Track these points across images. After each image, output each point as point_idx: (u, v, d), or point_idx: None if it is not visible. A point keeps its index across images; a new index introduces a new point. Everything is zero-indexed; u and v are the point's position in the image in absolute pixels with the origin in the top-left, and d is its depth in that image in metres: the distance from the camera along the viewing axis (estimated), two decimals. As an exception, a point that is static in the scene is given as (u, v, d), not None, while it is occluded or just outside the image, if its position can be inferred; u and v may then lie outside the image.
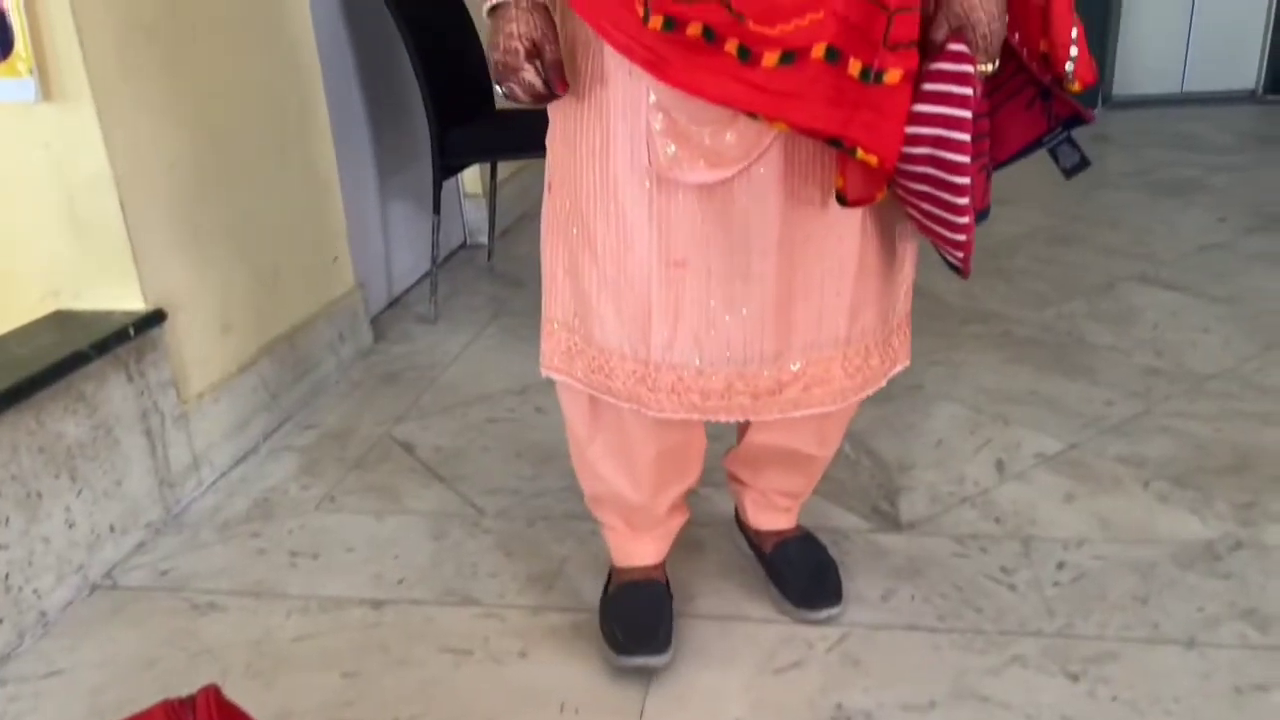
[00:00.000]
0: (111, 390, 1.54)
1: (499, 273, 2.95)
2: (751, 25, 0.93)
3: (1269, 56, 4.83)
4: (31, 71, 1.47)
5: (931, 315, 2.30)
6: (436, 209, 2.49)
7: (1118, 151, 3.99)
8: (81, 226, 1.57)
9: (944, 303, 2.39)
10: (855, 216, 1.09)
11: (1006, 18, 1.00)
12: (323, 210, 2.17)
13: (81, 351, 1.46)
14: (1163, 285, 2.53)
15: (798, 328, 1.12)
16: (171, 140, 1.67)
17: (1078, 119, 1.08)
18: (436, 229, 2.53)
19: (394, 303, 2.72)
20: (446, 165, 2.46)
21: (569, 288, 1.18)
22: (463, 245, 3.21)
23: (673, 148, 1.04)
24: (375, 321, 2.50)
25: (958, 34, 0.97)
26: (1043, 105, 1.08)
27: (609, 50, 1.03)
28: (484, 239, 3.13)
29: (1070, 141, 1.09)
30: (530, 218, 3.50)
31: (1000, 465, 1.72)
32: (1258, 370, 2.04)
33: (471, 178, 3.16)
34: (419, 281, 2.86)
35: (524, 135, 2.52)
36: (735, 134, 1.02)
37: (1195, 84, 4.97)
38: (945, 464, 1.73)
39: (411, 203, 2.82)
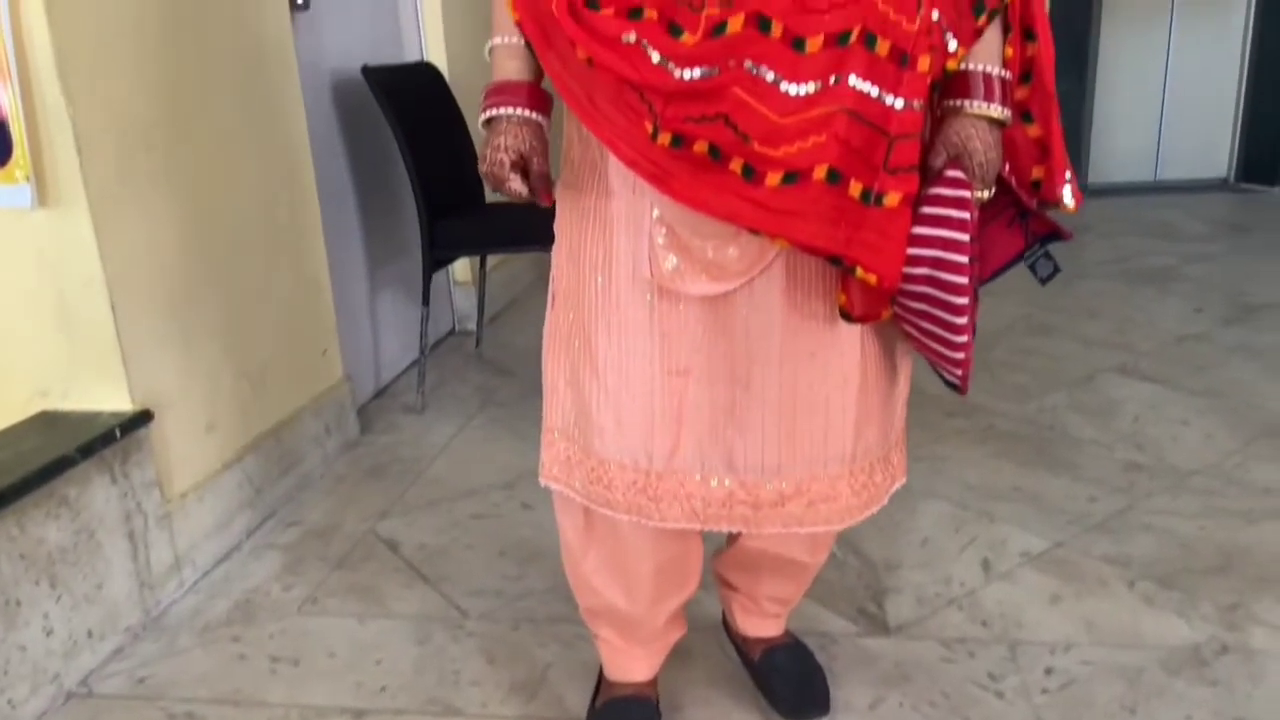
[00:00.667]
0: (95, 493, 1.53)
1: (487, 360, 2.97)
2: (756, 146, 0.96)
3: (1239, 145, 4.98)
4: (28, 178, 1.49)
5: (914, 407, 2.29)
6: (425, 301, 2.52)
7: (1095, 240, 4.08)
8: (72, 328, 1.58)
9: (927, 395, 2.40)
10: (855, 332, 1.11)
11: (1002, 148, 1.04)
12: (313, 305, 2.19)
13: (67, 455, 1.45)
14: (1142, 377, 2.57)
15: (801, 442, 1.13)
16: (164, 243, 1.70)
17: (1055, 235, 1.12)
18: (425, 320, 2.55)
19: (381, 392, 2.73)
20: (436, 258, 2.50)
21: (570, 399, 1.19)
22: (451, 332, 3.24)
23: (674, 260, 1.07)
24: (362, 411, 2.51)
25: (955, 161, 1.01)
26: (1021, 224, 1.12)
27: (614, 166, 1.07)
28: (473, 325, 3.16)
29: (1047, 255, 1.12)
30: (518, 304, 3.53)
31: (986, 564, 1.72)
32: (1238, 466, 2.06)
33: (461, 265, 3.20)
34: (407, 370, 2.87)
35: (513, 229, 2.59)
36: (738, 249, 1.05)
37: (1169, 172, 5.11)
38: (932, 563, 1.73)
39: (401, 292, 2.85)
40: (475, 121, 2.85)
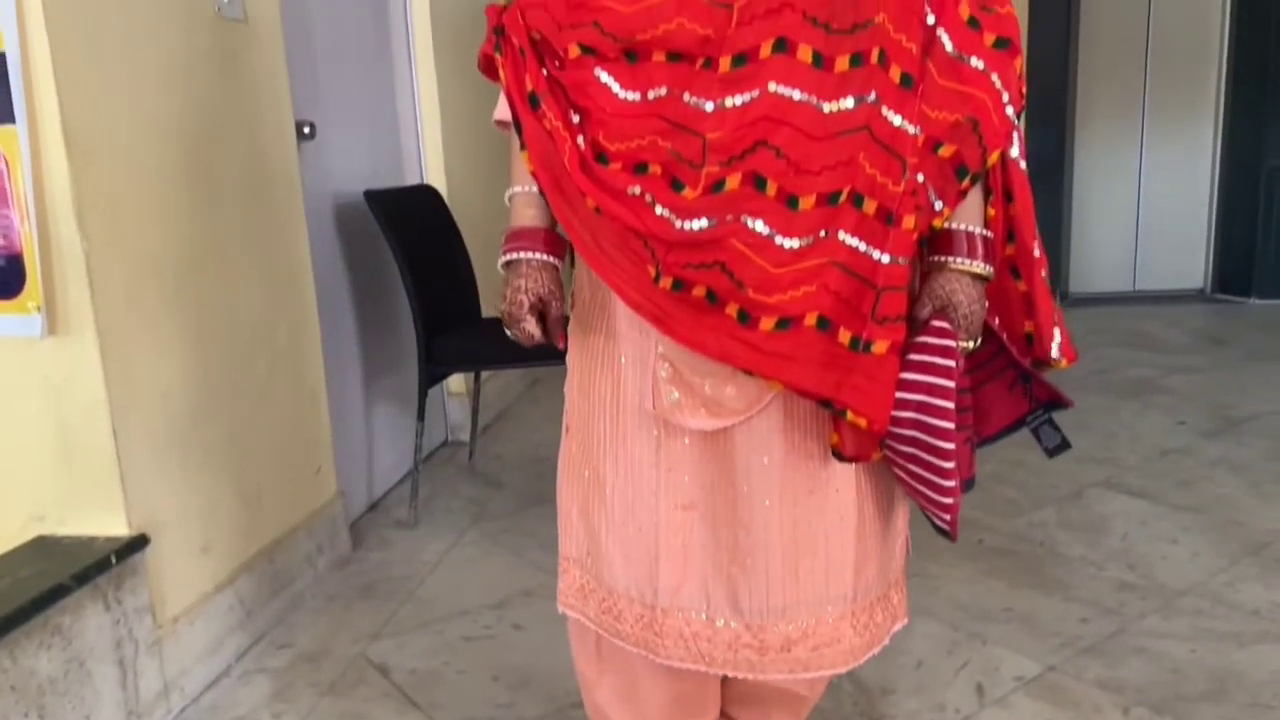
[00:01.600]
0: (88, 621, 1.52)
1: (479, 472, 2.98)
2: (751, 293, 1.01)
3: (1214, 257, 5.12)
4: (39, 309, 1.53)
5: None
6: (421, 416, 2.55)
7: (1079, 350, 4.15)
8: (72, 453, 1.59)
9: (915, 509, 2.43)
10: (850, 470, 1.14)
11: (985, 300, 1.10)
12: (309, 423, 2.22)
13: (62, 584, 1.45)
14: (1129, 492, 2.60)
15: (804, 582, 1.15)
16: (167, 368, 1.73)
17: (1057, 402, 1.17)
18: (420, 435, 2.57)
19: (374, 506, 2.73)
20: (433, 374, 2.53)
21: (582, 529, 1.22)
22: (444, 443, 3.25)
23: (676, 394, 1.11)
24: (354, 526, 2.50)
25: (941, 313, 1.07)
26: (1024, 388, 1.17)
27: (621, 307, 1.12)
28: (465, 436, 3.18)
29: (1051, 423, 1.17)
30: (510, 414, 3.56)
31: (980, 689, 1.72)
32: (1227, 585, 2.07)
33: (455, 377, 3.24)
34: (400, 483, 2.88)
35: (509, 346, 2.62)
36: (735, 388, 1.10)
37: (1146, 282, 5.24)
38: (926, 688, 1.73)
39: (395, 405, 2.88)
40: (472, 239, 2.93)
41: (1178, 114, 5.07)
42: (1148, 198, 5.17)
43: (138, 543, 1.62)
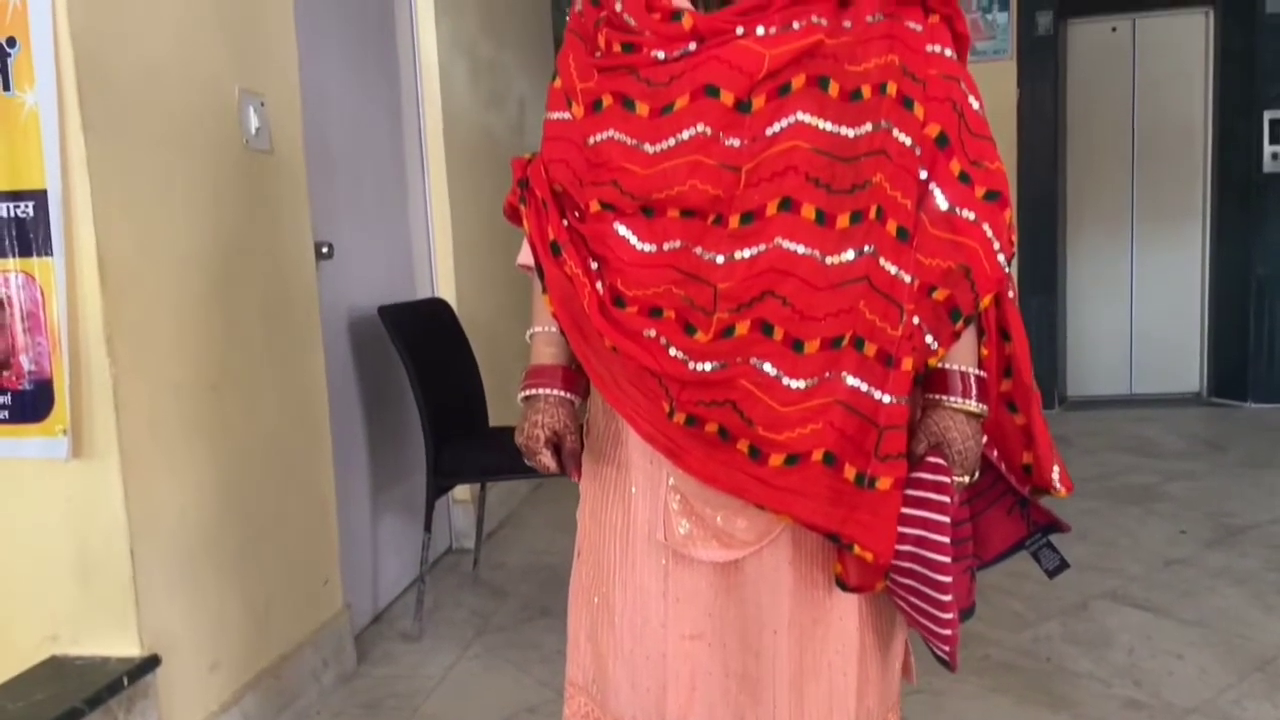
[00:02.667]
0: (97, 745, 1.53)
1: (483, 582, 2.98)
2: (761, 430, 1.06)
3: (1209, 361, 5.20)
4: (65, 432, 1.58)
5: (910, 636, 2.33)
6: (428, 527, 2.57)
7: (1077, 456, 4.19)
8: (89, 575, 1.62)
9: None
10: (854, 600, 1.17)
11: (981, 437, 1.15)
12: (319, 535, 2.24)
13: (75, 708, 1.46)
14: (1134, 605, 2.60)
15: (809, 710, 1.17)
16: (184, 488, 1.77)
17: (1055, 526, 1.21)
18: (426, 546, 2.59)
19: (378, 617, 2.72)
20: (440, 485, 2.57)
21: (589, 654, 1.25)
22: (448, 550, 3.26)
23: (687, 526, 1.16)
24: (359, 639, 2.50)
25: (936, 449, 1.11)
26: (1022, 512, 1.22)
27: (634, 439, 1.17)
28: (470, 544, 3.18)
29: (1050, 545, 1.21)
30: (514, 520, 3.57)
31: (991, 815, 1.71)
32: (1234, 703, 2.06)
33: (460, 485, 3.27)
34: (404, 592, 2.87)
35: (516, 455, 2.67)
36: (746, 520, 1.14)
37: (1143, 386, 5.30)
38: (936, 814, 1.71)
39: (401, 514, 2.90)
40: (481, 349, 2.99)
41: (1166, 221, 5.21)
42: (1140, 302, 5.27)
43: (149, 663, 1.63)
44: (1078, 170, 5.23)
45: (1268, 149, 4.76)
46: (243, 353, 1.95)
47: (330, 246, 2.38)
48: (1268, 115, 4.74)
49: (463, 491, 3.28)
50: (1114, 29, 5.15)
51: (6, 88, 1.54)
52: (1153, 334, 5.26)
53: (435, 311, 2.88)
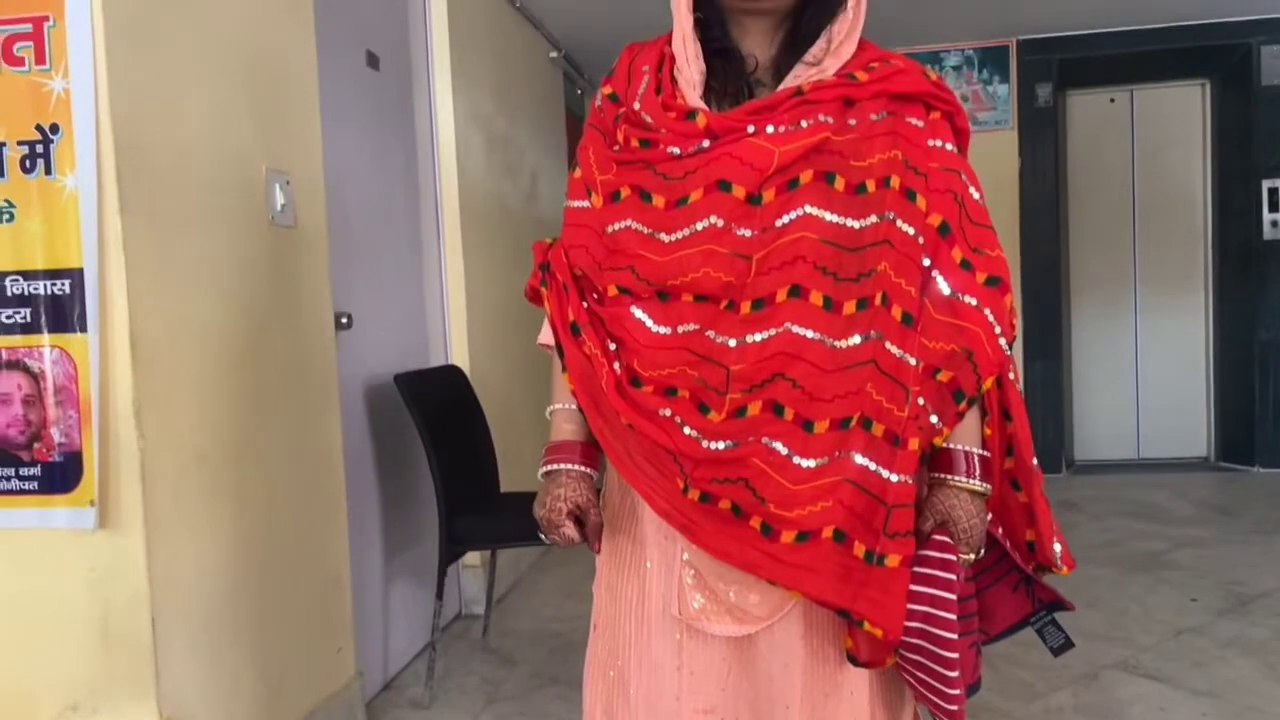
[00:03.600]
0: (114, 816, 1.54)
1: (493, 648, 2.98)
2: (773, 508, 1.10)
3: (1216, 426, 5.21)
4: (93, 503, 1.62)
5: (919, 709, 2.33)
6: (440, 594, 2.59)
7: (1086, 521, 4.19)
8: (110, 644, 1.65)
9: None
10: (865, 674, 1.20)
11: (985, 515, 1.18)
12: (332, 603, 2.26)
13: (94, 779, 1.48)
14: (1145, 675, 2.59)
15: None
16: (204, 557, 1.80)
17: (1060, 604, 1.24)
18: (438, 614, 2.60)
19: (389, 685, 2.72)
20: (453, 552, 2.59)
21: None
22: (458, 616, 3.26)
23: (701, 600, 1.19)
24: (370, 706, 2.50)
25: (942, 527, 1.15)
26: (1027, 589, 1.25)
27: (649, 514, 1.21)
28: (479, 609, 3.19)
29: (1055, 624, 1.24)
30: (523, 586, 3.58)
31: None
32: (1249, 777, 2.05)
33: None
34: (415, 659, 2.88)
35: (527, 522, 2.69)
36: (759, 596, 1.17)
37: (1151, 450, 5.31)
38: None
39: (412, 580, 2.92)
40: (494, 415, 3.03)
41: (1169, 287, 5.27)
42: (1146, 367, 5.31)
43: (167, 733, 1.65)
44: (1079, 236, 5.31)
45: (1267, 217, 4.83)
46: (263, 422, 2.00)
47: (349, 317, 2.43)
48: (1266, 184, 4.83)
49: (472, 556, 3.29)
50: (1112, 100, 5.27)
51: (49, 171, 1.61)
52: (1159, 399, 5.29)
53: (449, 379, 2.93)
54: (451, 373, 2.98)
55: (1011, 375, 1.23)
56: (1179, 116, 5.22)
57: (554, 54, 4.47)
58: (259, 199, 2.02)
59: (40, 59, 1.61)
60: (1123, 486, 4.84)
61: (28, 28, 1.61)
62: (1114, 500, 4.55)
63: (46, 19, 1.60)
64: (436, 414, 2.64)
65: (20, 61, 1.61)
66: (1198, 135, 5.21)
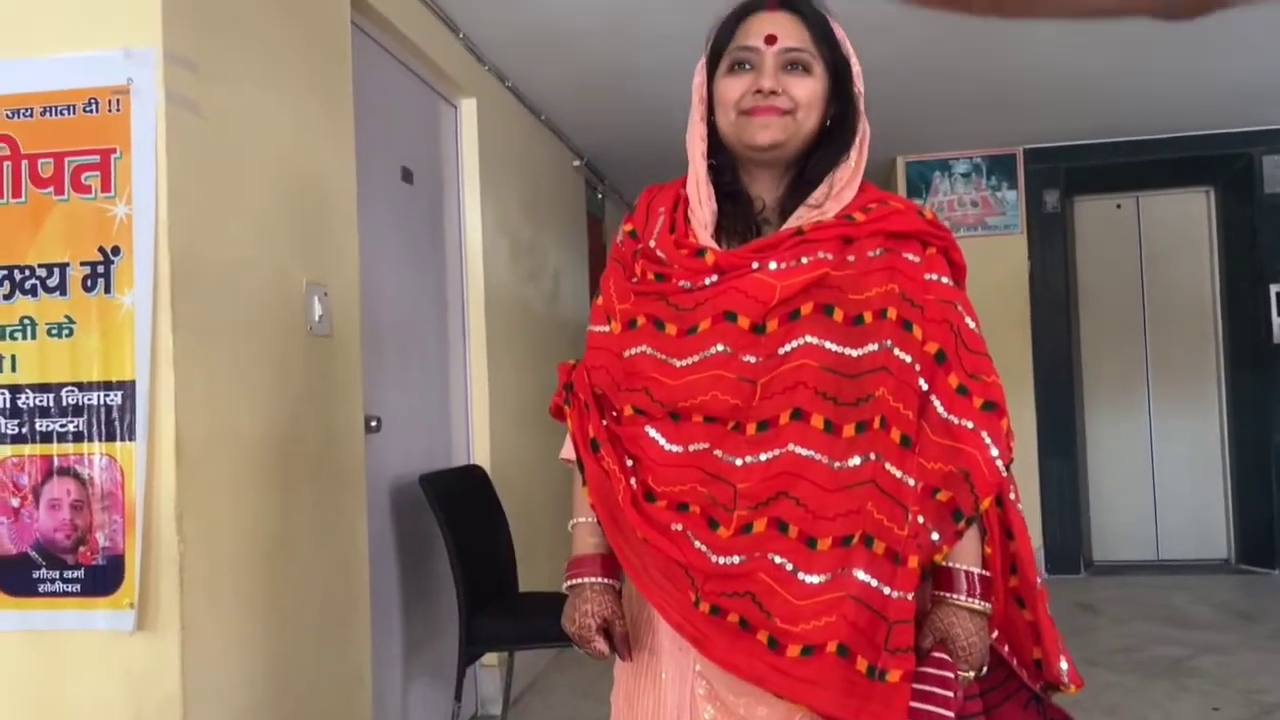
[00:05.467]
0: None
1: (509, 750, 2.98)
2: (779, 623, 1.16)
3: (1236, 527, 5.18)
4: (132, 605, 1.69)
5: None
6: (458, 695, 2.62)
7: (1106, 625, 4.16)
8: (142, 743, 1.70)
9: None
10: None
11: (986, 634, 1.23)
12: (354, 702, 2.30)
13: None
14: (1165, 787, 2.57)
15: None
16: (234, 658, 1.86)
17: None
18: (456, 715, 2.62)
19: (404, 786, 2.73)
20: (471, 654, 2.63)
21: None
22: (474, 716, 3.27)
23: (712, 712, 1.24)
24: (385, 809, 2.51)
25: (941, 644, 1.20)
26: (1038, 708, 1.29)
27: (664, 626, 1.27)
28: (496, 709, 3.20)
29: None
30: (539, 686, 3.58)
31: None
32: None
33: (488, 648, 3.31)
34: (430, 760, 2.88)
35: (545, 625, 2.73)
36: (767, 708, 1.22)
37: (1170, 552, 5.27)
38: None
39: (430, 679, 2.94)
40: (514, 513, 3.09)
41: (1182, 386, 5.31)
42: (1162, 466, 5.31)
43: (191, 835, 1.68)
44: (1090, 337, 5.38)
45: (1275, 320, 4.90)
46: (294, 524, 2.08)
47: (378, 419, 2.53)
48: (1274, 289, 4.91)
49: (490, 655, 3.31)
50: (1119, 206, 5.41)
51: (108, 290, 1.73)
52: (1177, 499, 5.28)
53: (472, 479, 3.01)
54: (474, 472, 3.06)
55: (1012, 495, 1.29)
56: (1185, 222, 5.34)
57: (576, 162, 4.67)
58: (298, 310, 2.14)
59: (106, 187, 1.74)
60: (1142, 589, 4.80)
61: (95, 159, 1.75)
62: (1134, 603, 4.52)
63: (114, 151, 1.74)
64: (459, 514, 2.71)
65: (88, 189, 1.75)
66: (1204, 240, 5.32)
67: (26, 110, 1.76)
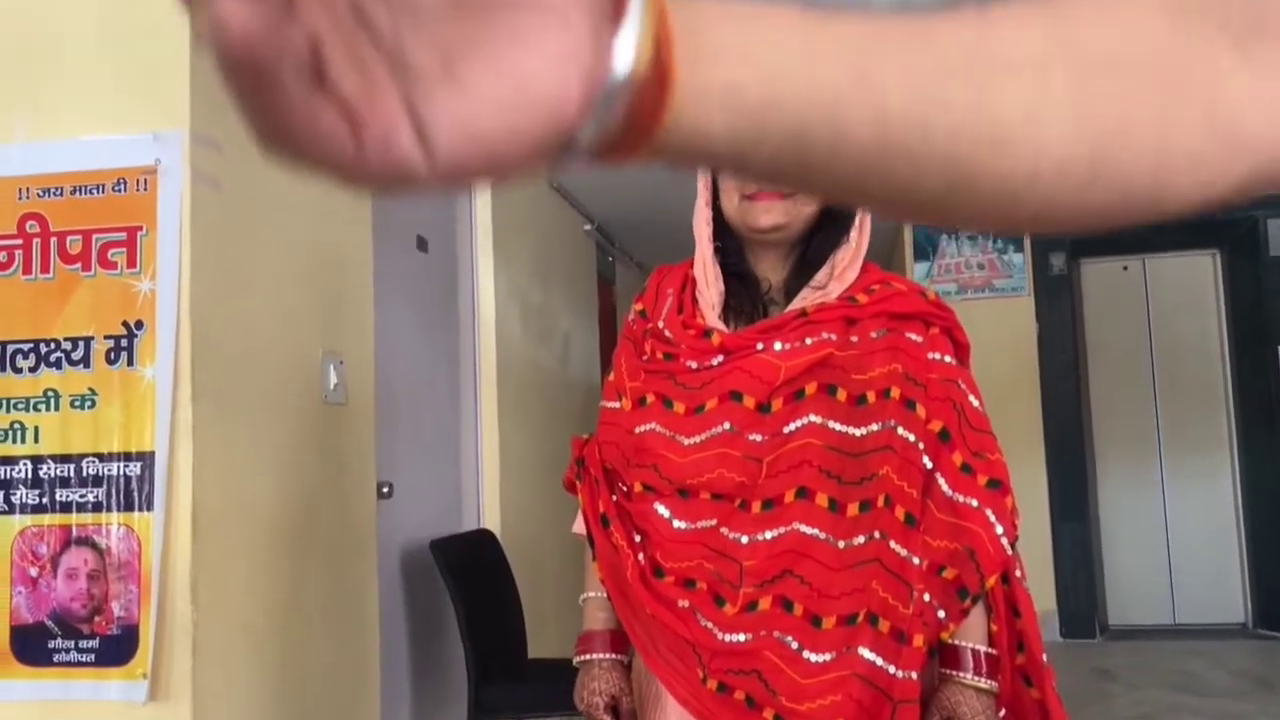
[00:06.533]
0: None
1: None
2: (784, 701, 1.17)
3: (1253, 591, 5.12)
4: (145, 676, 1.71)
5: None
6: (465, 765, 2.60)
7: (1122, 693, 4.11)
8: (151, 815, 1.70)
9: None
10: None
11: (993, 712, 1.24)
12: (361, 772, 2.29)
13: None
14: None
15: None
16: (246, 726, 1.87)
17: None
18: (463, 785, 2.60)
19: None
20: (480, 720, 2.62)
21: None
22: (481, 784, 3.23)
23: None
24: None
25: None
26: None
27: (672, 701, 1.27)
28: (503, 778, 3.16)
29: None
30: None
31: None
32: None
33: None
34: (437, 830, 2.85)
35: (554, 694, 2.72)
36: None
37: (1186, 616, 5.21)
38: None
39: (439, 746, 2.92)
40: (523, 577, 3.09)
41: (1194, 445, 5.29)
42: (1176, 528, 5.28)
43: None
44: (1100, 398, 5.39)
45: (1285, 380, 4.90)
46: (306, 592, 2.09)
47: (390, 486, 2.56)
48: (1282, 349, 4.92)
49: (498, 722, 3.29)
50: (1125, 268, 5.45)
51: (130, 363, 1.78)
52: (1192, 562, 5.23)
53: (482, 544, 3.02)
54: (484, 538, 3.07)
55: (1018, 573, 1.30)
56: (1191, 283, 5.38)
57: (587, 226, 4.75)
58: (314, 380, 2.18)
59: (131, 263, 1.80)
60: (1159, 654, 4.73)
61: (122, 236, 1.81)
62: (1150, 669, 4.46)
63: (140, 228, 1.80)
64: (469, 581, 2.71)
65: (114, 265, 1.80)
66: (1211, 301, 5.35)
67: (58, 189, 1.82)
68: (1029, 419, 5.00)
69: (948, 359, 1.32)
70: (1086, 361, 5.37)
